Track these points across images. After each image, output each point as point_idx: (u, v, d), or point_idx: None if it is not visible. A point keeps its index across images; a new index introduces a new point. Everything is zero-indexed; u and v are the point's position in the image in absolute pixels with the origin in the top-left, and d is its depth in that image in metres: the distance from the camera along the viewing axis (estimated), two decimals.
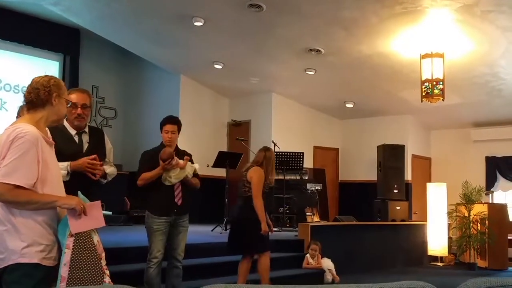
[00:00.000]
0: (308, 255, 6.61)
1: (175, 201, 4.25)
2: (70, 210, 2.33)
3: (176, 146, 4.44)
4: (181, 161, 4.23)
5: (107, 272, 2.40)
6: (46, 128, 2.45)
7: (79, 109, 3.26)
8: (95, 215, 2.43)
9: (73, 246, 2.32)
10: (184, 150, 4.52)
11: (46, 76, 2.46)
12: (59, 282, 2.28)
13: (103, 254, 2.44)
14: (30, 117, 2.38)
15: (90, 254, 2.35)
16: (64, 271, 2.28)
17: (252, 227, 4.72)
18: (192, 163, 4.42)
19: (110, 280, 2.39)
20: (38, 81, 2.41)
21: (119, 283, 1.44)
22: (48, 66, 9.57)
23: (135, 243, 5.61)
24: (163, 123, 4.38)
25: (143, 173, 4.24)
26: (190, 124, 8.69)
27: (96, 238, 2.43)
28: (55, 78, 2.49)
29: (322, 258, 6.64)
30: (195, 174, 4.42)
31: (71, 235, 2.33)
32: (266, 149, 5.07)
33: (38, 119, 2.39)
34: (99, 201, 2.51)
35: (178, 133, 4.40)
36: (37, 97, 2.38)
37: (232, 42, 7.80)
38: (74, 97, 3.19)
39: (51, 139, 2.45)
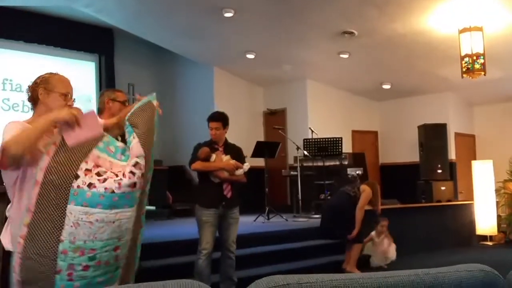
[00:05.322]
0: (373, 233, 6.53)
1: (224, 193, 4.33)
2: (63, 124, 2.16)
3: (225, 140, 4.52)
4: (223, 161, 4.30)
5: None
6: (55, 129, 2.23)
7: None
8: (90, 124, 2.22)
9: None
10: (233, 144, 4.60)
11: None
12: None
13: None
14: (32, 118, 2.36)
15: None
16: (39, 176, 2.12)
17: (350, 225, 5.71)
18: (244, 160, 4.50)
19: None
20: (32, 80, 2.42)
21: (168, 276, 1.43)
22: (85, 67, 9.78)
23: (182, 236, 5.67)
24: (207, 120, 4.46)
25: (199, 160, 4.33)
26: None
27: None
28: (48, 74, 2.45)
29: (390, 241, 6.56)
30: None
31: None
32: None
33: (36, 117, 2.35)
34: (93, 110, 2.33)
35: (225, 128, 4.46)
36: (31, 96, 2.39)
37: (263, 30, 7.74)
38: (120, 94, 3.38)
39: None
